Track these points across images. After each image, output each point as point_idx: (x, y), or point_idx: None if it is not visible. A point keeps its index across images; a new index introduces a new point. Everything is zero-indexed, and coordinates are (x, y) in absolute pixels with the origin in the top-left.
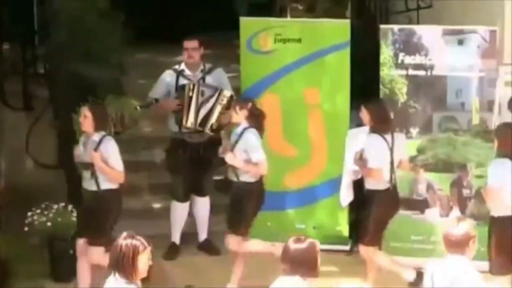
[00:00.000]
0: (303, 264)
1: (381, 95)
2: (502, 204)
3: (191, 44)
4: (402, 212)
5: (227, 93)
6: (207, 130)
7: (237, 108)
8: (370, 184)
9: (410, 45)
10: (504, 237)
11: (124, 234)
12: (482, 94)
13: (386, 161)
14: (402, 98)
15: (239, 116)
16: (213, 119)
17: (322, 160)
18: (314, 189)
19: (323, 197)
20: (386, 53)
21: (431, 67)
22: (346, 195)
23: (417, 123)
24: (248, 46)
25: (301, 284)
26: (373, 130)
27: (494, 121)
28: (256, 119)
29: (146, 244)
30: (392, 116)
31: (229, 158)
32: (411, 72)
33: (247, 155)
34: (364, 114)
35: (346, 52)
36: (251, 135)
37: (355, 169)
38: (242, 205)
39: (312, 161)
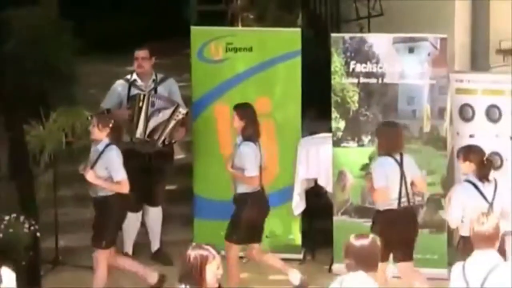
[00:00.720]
0: (367, 259)
1: (332, 104)
2: (388, 199)
3: (141, 53)
4: (354, 220)
5: (183, 110)
6: (159, 144)
7: (100, 125)
8: (243, 189)
9: (361, 54)
10: (386, 227)
11: (193, 244)
12: (433, 102)
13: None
14: (353, 106)
15: (101, 133)
16: (166, 134)
17: (274, 169)
18: None
19: (275, 206)
20: (337, 61)
21: (382, 75)
22: (298, 204)
23: (369, 131)
24: (199, 55)
25: (367, 280)
26: (246, 138)
27: (446, 128)
28: (117, 136)
29: (215, 253)
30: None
31: (89, 176)
32: (362, 80)
33: (108, 173)
34: (236, 121)
35: (297, 61)
36: (113, 152)
37: (307, 178)
38: (101, 219)
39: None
